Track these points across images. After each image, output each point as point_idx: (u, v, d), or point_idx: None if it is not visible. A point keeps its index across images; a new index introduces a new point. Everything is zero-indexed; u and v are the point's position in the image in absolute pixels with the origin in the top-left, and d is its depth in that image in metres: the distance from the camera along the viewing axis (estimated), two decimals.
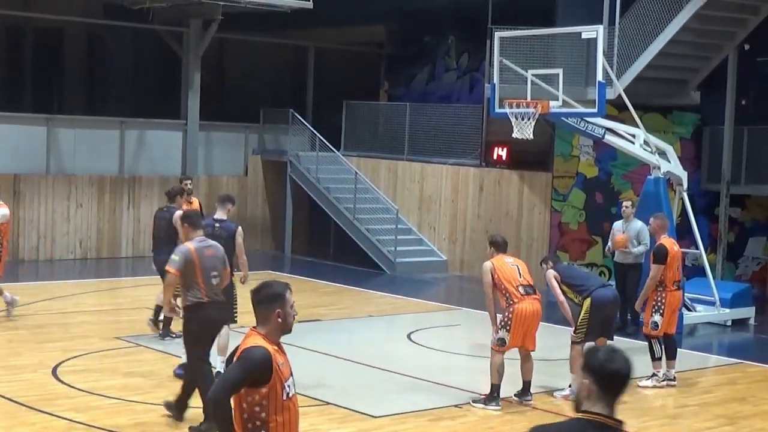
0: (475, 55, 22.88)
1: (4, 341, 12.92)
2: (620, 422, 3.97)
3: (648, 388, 11.63)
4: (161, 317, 12.97)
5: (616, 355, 3.98)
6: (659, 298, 11.79)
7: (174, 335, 12.77)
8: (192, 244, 9.33)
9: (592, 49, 15.83)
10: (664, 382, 11.73)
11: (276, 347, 5.23)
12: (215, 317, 9.42)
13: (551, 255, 12.14)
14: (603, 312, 10.93)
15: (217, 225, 11.24)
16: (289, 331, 5.31)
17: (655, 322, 11.78)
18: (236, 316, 11.13)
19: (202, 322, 9.24)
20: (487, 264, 10.72)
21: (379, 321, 15.85)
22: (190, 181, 15.19)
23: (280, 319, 5.23)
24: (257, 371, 5.08)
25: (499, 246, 10.90)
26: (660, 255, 11.77)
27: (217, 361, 11.08)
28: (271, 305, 5.24)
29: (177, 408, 9.50)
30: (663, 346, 11.77)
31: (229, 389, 5.09)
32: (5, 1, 21.49)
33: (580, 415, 3.97)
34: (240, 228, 11.39)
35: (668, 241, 11.99)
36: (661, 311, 11.76)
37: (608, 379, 3.94)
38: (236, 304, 11.06)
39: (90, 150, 21.81)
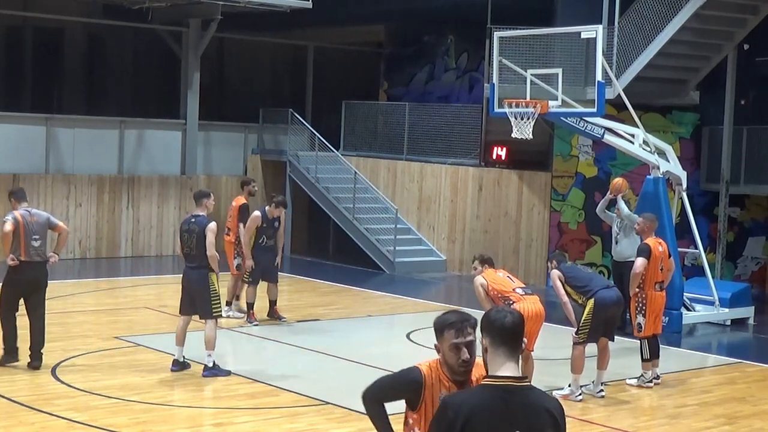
0: (474, 55, 22.89)
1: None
2: (524, 377, 4.19)
3: (633, 386, 11.70)
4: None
5: (506, 311, 4.30)
6: (640, 300, 11.81)
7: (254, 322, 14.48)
8: (18, 211, 11.29)
9: (591, 49, 15.82)
10: (651, 383, 11.77)
11: (449, 380, 4.77)
12: (29, 276, 11.29)
13: (556, 254, 12.10)
14: (606, 313, 10.92)
15: (192, 220, 11.54)
16: (457, 373, 4.73)
17: (639, 324, 11.81)
18: (216, 311, 11.39)
19: (16, 278, 11.28)
20: (478, 278, 10.69)
21: (379, 321, 15.86)
22: (254, 183, 15.84)
23: (440, 354, 4.79)
24: (403, 389, 4.88)
25: (487, 262, 10.88)
26: (643, 251, 11.80)
27: (204, 355, 11.36)
28: (436, 336, 4.80)
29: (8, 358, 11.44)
30: (650, 348, 11.79)
31: (374, 392, 5.03)
32: (5, 1, 21.50)
33: (486, 381, 4.18)
34: (212, 224, 11.39)
35: (653, 241, 12.01)
36: (643, 312, 11.78)
37: (500, 331, 4.20)
38: (217, 299, 11.39)
39: (89, 150, 21.81)
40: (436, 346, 4.79)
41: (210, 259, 11.29)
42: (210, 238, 11.26)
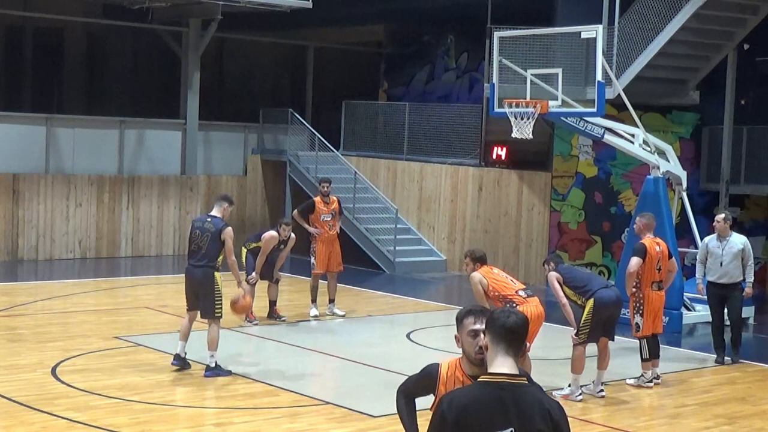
0: (474, 55, 22.89)
1: (4, 341, 12.91)
2: (520, 375, 4.22)
3: (633, 386, 11.70)
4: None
5: (511, 313, 4.32)
6: (638, 299, 11.80)
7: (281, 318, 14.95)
8: None
9: (591, 49, 15.83)
10: (651, 383, 11.76)
11: (465, 376, 4.83)
12: None
13: (553, 256, 12.11)
14: (606, 313, 10.92)
15: (208, 219, 11.54)
16: (475, 363, 4.78)
17: (637, 324, 11.80)
18: (218, 312, 11.34)
19: None
20: (476, 275, 10.47)
21: (379, 320, 15.86)
22: (328, 184, 15.89)
23: (459, 344, 4.87)
24: (422, 383, 5.08)
25: (481, 259, 10.70)
26: (639, 250, 11.78)
27: (206, 356, 11.38)
28: (457, 327, 4.88)
29: None
30: (649, 348, 11.78)
31: (402, 388, 5.22)
32: (5, 1, 21.51)
33: (482, 379, 4.24)
34: (229, 229, 11.35)
35: (650, 241, 11.97)
36: (641, 312, 11.77)
37: (501, 329, 4.24)
38: (220, 300, 11.34)
39: (89, 150, 21.81)
40: (456, 337, 4.89)
41: (231, 265, 11.28)
42: (228, 243, 11.25)
